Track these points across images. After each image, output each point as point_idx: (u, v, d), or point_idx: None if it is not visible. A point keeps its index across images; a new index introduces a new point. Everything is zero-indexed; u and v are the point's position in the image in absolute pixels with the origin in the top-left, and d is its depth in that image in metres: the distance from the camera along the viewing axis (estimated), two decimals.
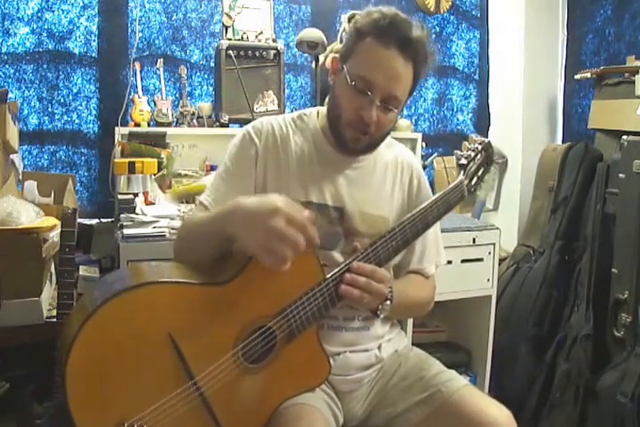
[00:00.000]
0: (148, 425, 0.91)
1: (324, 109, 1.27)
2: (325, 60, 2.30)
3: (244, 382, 1.00)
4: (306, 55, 2.51)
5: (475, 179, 1.30)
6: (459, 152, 1.31)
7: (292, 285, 1.01)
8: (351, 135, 1.17)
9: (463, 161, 1.29)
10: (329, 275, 1.06)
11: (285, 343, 1.02)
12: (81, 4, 2.26)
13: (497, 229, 2.10)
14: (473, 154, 1.31)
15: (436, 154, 2.50)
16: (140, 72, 2.28)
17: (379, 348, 1.28)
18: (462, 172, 1.27)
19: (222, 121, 2.25)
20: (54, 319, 1.57)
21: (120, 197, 1.94)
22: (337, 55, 1.22)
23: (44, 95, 2.26)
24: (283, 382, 1.05)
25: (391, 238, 1.13)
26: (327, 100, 1.25)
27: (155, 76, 2.36)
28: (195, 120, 2.29)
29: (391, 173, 1.30)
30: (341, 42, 2.34)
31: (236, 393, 1.00)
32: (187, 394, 0.94)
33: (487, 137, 2.94)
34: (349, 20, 2.42)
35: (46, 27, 2.23)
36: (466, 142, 1.37)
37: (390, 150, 1.32)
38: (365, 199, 1.24)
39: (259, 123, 1.25)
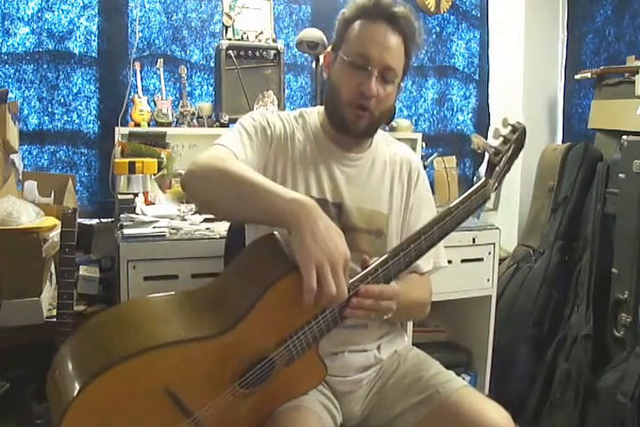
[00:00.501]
0: None
1: (322, 108, 1.28)
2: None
3: (241, 405, 0.99)
4: (306, 55, 2.51)
5: (500, 175, 1.18)
6: (488, 144, 1.14)
7: (292, 316, 0.96)
8: (352, 114, 1.18)
9: (493, 158, 1.13)
10: None
11: (284, 367, 0.99)
12: (81, 3, 2.26)
13: (497, 229, 2.10)
14: (506, 147, 1.14)
15: (435, 154, 2.50)
16: (140, 72, 2.28)
17: (378, 348, 1.28)
18: (488, 172, 1.15)
19: (222, 121, 2.25)
20: (54, 319, 1.56)
21: (120, 197, 1.94)
22: (329, 50, 1.25)
23: (44, 95, 2.26)
24: (279, 394, 1.04)
25: (405, 255, 1.05)
26: (325, 93, 1.27)
27: (155, 76, 2.36)
28: (195, 120, 2.29)
29: (390, 170, 1.30)
30: None
31: (232, 414, 0.99)
32: None
33: (487, 137, 2.93)
34: None
35: (46, 27, 2.24)
36: (498, 128, 1.16)
37: (389, 148, 1.33)
38: (363, 196, 1.25)
39: (270, 113, 1.27)
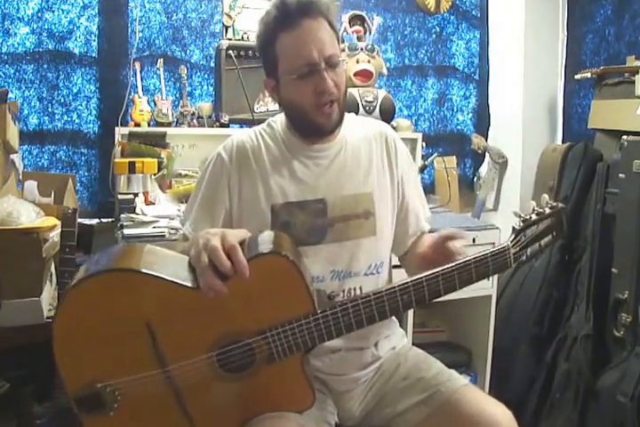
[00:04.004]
0: (119, 392, 0.98)
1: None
2: None
3: (219, 386, 1.01)
4: None
5: (529, 249, 1.11)
6: (518, 212, 1.13)
7: (277, 306, 0.99)
8: (323, 115, 1.19)
9: (518, 224, 1.10)
10: (320, 310, 1.01)
11: (265, 363, 1.01)
12: (81, 3, 2.27)
13: (497, 229, 2.10)
14: (535, 217, 1.12)
15: (435, 154, 2.51)
16: (140, 72, 2.28)
17: (375, 346, 1.28)
18: (512, 237, 1.10)
19: (222, 121, 2.25)
20: None
21: (120, 197, 1.95)
22: (265, 80, 1.25)
23: (44, 95, 2.27)
24: (260, 398, 1.05)
25: (402, 291, 1.04)
26: (286, 115, 1.27)
27: (155, 76, 2.36)
28: (195, 120, 2.29)
29: (365, 150, 1.30)
30: (342, 42, 2.34)
31: (210, 394, 1.02)
32: (158, 378, 0.98)
33: (487, 137, 2.93)
34: (350, 20, 2.42)
35: (46, 27, 2.24)
36: (533, 202, 1.15)
37: (358, 129, 1.32)
38: (343, 182, 1.25)
39: (228, 141, 1.29)
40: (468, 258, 1.08)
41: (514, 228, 1.11)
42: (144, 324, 0.96)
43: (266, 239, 1.03)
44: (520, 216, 1.12)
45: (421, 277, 1.04)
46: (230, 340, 0.99)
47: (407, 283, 1.04)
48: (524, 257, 1.11)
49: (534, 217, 1.11)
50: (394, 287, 1.04)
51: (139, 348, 0.97)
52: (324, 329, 1.01)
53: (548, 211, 1.13)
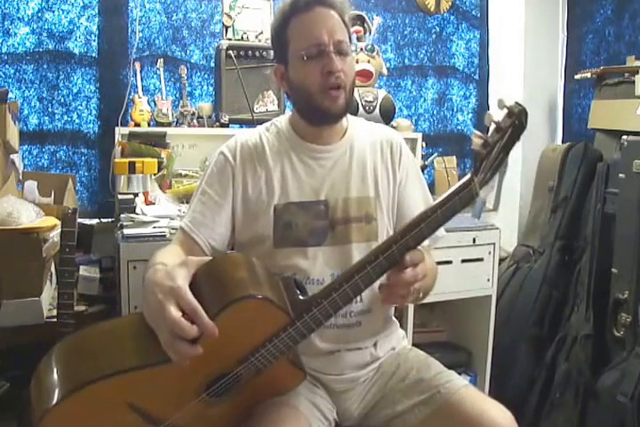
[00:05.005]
0: None
1: (290, 114, 1.32)
2: None
3: (217, 407, 1.01)
4: None
5: (492, 166, 1.02)
6: (478, 133, 1.00)
7: (253, 334, 0.96)
8: (329, 99, 1.19)
9: (480, 151, 0.99)
10: (298, 319, 0.96)
11: (252, 378, 1.00)
12: (81, 4, 2.26)
13: (497, 229, 2.10)
14: (496, 136, 0.98)
15: (436, 154, 2.51)
16: (140, 72, 2.28)
17: (374, 346, 1.28)
18: (474, 168, 1.01)
19: (222, 121, 2.25)
20: (54, 319, 1.57)
21: (120, 197, 1.94)
22: (275, 66, 1.27)
23: (44, 95, 2.26)
24: (257, 394, 1.05)
25: (375, 266, 0.99)
26: (293, 102, 1.29)
27: (155, 76, 2.36)
28: (195, 120, 2.29)
29: (371, 155, 1.30)
30: None
31: (213, 416, 1.01)
32: None
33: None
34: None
35: (46, 27, 2.24)
36: (491, 113, 0.99)
37: (367, 134, 1.32)
38: (347, 185, 1.25)
39: (232, 140, 1.29)
40: (434, 205, 1.00)
41: (475, 156, 1.00)
42: (127, 407, 0.93)
43: (221, 272, 0.96)
44: (481, 138, 0.99)
45: (390, 243, 1.00)
46: (214, 377, 0.97)
47: (378, 256, 0.98)
48: (489, 175, 1.02)
49: (495, 136, 0.98)
50: (365, 267, 0.98)
51: (131, 424, 0.95)
52: (305, 330, 0.98)
53: (507, 122, 0.97)
